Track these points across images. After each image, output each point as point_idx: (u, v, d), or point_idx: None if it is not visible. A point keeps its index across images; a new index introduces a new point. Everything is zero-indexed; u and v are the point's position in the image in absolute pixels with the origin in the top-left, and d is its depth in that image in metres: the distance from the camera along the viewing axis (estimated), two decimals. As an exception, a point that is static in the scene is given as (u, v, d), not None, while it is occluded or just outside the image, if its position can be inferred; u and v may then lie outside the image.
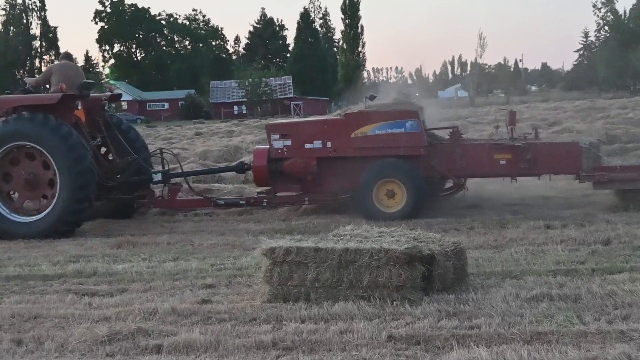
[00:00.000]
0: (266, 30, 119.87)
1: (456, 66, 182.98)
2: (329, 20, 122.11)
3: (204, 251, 9.84)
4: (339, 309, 6.29)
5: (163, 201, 13.26)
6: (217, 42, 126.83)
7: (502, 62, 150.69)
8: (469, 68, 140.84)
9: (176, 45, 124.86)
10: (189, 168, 17.26)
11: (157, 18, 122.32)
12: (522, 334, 5.53)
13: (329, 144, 12.17)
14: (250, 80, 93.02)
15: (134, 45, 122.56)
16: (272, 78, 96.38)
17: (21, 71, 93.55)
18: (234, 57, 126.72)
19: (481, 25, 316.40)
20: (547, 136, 20.50)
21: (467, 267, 7.35)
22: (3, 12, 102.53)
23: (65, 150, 11.56)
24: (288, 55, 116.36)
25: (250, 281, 7.74)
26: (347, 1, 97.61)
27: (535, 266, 7.88)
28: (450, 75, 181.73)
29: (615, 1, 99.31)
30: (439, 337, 5.57)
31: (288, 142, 12.34)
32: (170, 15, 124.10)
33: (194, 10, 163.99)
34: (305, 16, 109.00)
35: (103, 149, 13.42)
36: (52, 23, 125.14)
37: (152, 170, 13.39)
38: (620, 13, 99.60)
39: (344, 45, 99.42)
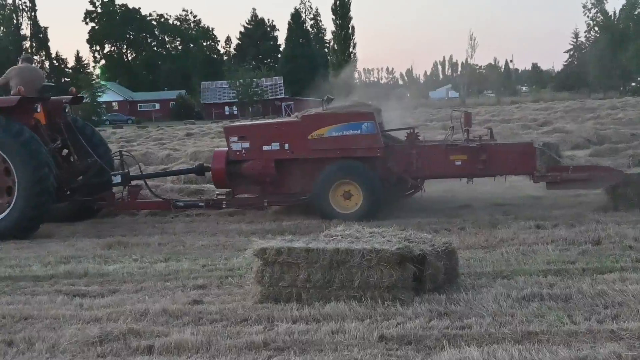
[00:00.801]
0: (257, 31, 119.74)
1: (447, 67, 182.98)
2: (320, 20, 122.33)
3: (196, 252, 9.82)
4: (330, 310, 6.30)
5: (123, 203, 13.32)
6: (208, 43, 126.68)
7: (493, 63, 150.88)
8: (459, 69, 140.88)
9: (167, 46, 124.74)
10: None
11: (148, 18, 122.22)
12: (513, 333, 5.55)
13: (286, 146, 12.23)
14: (242, 80, 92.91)
15: (125, 46, 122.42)
16: (263, 79, 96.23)
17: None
18: (225, 58, 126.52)
19: (472, 25, 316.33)
20: (537, 137, 20.58)
21: (458, 267, 7.37)
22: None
23: (18, 146, 11.70)
24: (279, 55, 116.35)
25: (241, 282, 7.74)
26: (337, 2, 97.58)
27: (526, 266, 7.90)
28: (441, 76, 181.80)
29: (605, 2, 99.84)
30: (430, 337, 5.59)
31: (246, 145, 12.40)
32: (161, 16, 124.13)
33: (184, 10, 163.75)
34: (296, 17, 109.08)
35: (65, 152, 13.58)
36: (42, 23, 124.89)
37: (112, 172, 13.42)
38: (610, 14, 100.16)
39: (335, 45, 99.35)
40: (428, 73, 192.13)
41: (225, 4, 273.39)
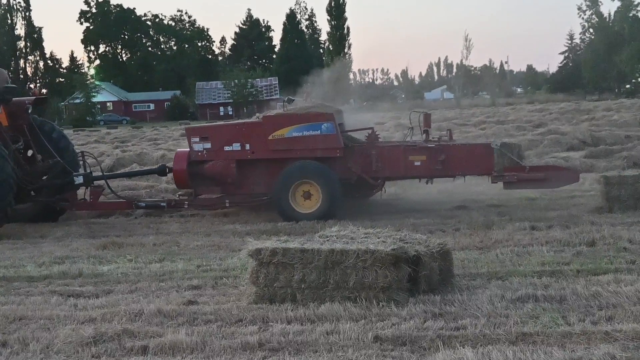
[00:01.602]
0: (252, 31, 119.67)
1: (442, 68, 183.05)
2: (315, 21, 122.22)
3: (190, 252, 9.81)
4: (325, 310, 6.30)
5: (85, 204, 13.39)
6: (203, 43, 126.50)
7: (488, 64, 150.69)
8: (454, 70, 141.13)
9: (162, 46, 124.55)
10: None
11: (143, 19, 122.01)
12: (507, 334, 5.56)
13: (247, 147, 12.30)
14: (236, 81, 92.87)
15: (120, 46, 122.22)
16: (258, 79, 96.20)
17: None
18: (220, 58, 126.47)
19: (467, 27, 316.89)
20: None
21: (453, 268, 7.37)
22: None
23: None
24: (274, 56, 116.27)
25: (236, 282, 7.73)
26: (332, 2, 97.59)
27: (521, 267, 7.91)
28: (436, 77, 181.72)
29: (600, 3, 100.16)
30: (425, 337, 5.59)
31: (208, 145, 12.48)
32: (156, 16, 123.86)
33: (179, 11, 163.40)
34: (291, 17, 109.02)
35: (30, 152, 13.69)
36: (37, 23, 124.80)
37: (75, 173, 13.43)
38: (605, 16, 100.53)
39: (330, 46, 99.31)
40: (423, 74, 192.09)
41: (220, 4, 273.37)
